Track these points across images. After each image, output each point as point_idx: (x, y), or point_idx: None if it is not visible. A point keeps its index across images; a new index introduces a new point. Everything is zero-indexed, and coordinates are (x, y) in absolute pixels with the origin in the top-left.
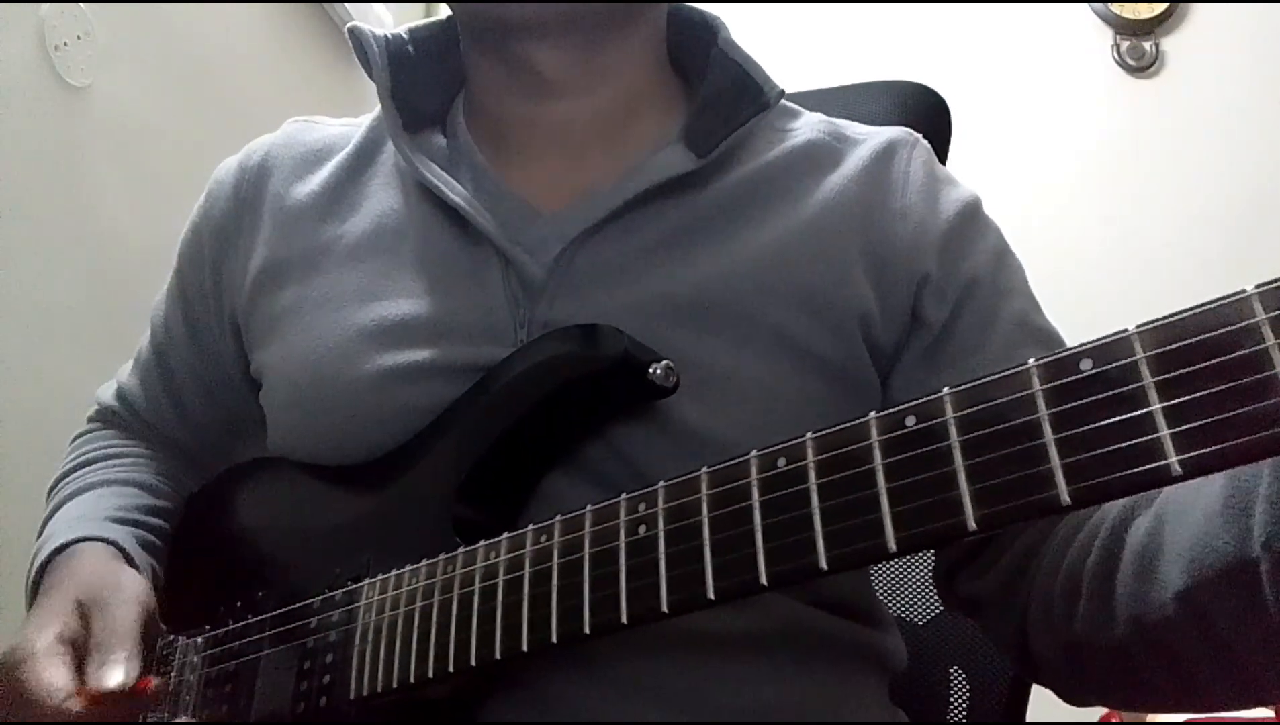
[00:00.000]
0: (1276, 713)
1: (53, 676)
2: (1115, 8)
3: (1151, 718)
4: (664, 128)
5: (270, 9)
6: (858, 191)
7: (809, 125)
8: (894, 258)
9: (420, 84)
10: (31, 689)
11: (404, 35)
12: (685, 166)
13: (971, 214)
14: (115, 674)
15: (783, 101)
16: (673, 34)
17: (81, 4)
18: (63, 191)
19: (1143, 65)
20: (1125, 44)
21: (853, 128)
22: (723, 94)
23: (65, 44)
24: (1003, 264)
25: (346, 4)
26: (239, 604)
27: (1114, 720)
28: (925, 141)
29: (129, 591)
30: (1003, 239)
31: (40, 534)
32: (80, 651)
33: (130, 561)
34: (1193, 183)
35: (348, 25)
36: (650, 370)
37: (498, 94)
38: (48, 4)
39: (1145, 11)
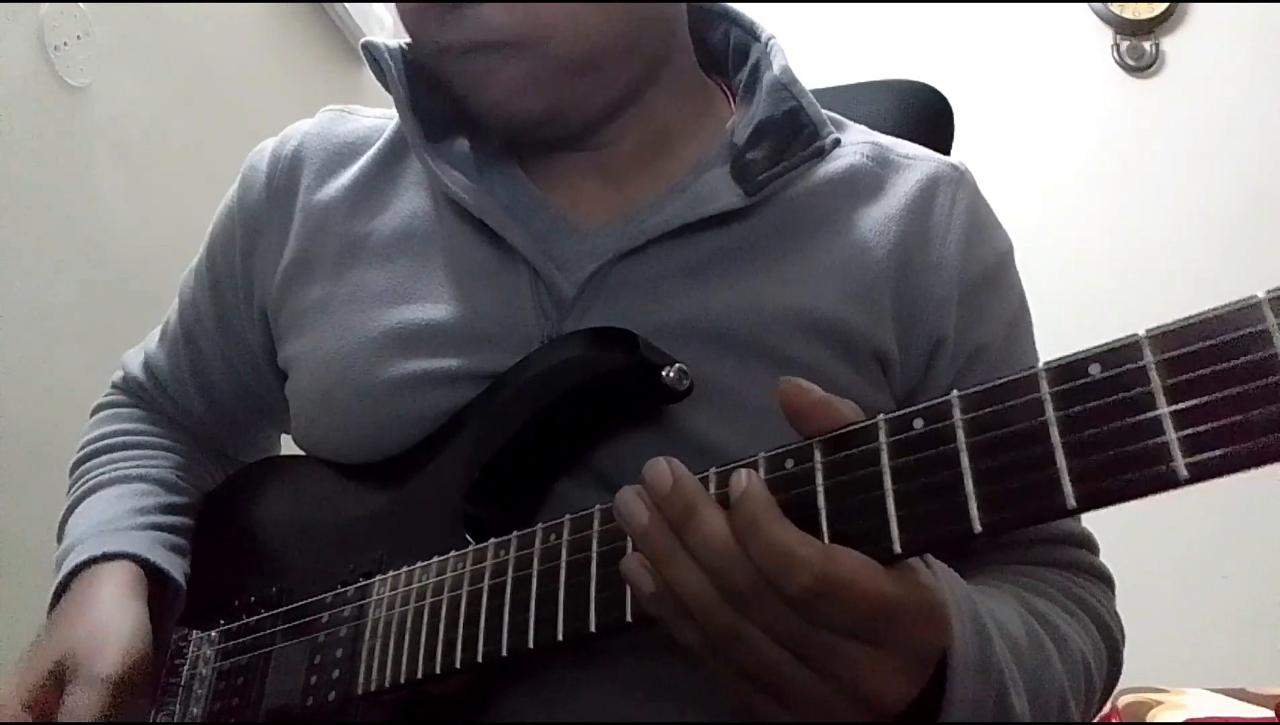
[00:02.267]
0: (1277, 712)
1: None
2: (1115, 8)
3: (1151, 717)
4: (705, 139)
5: (270, 9)
6: (897, 233)
7: (851, 146)
8: (922, 313)
9: (441, 91)
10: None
11: None
12: (731, 203)
13: (998, 274)
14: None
15: (828, 114)
16: (699, 27)
17: (81, 4)
18: (63, 191)
19: (1143, 65)
20: (1125, 44)
21: (897, 150)
22: (774, 127)
23: (65, 44)
24: (1014, 332)
25: (347, 4)
26: (254, 599)
27: (1114, 720)
28: (970, 176)
29: (111, 661)
30: (1021, 298)
31: (63, 522)
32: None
33: (159, 572)
34: (1193, 183)
35: (361, 41)
36: (664, 373)
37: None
38: (48, 4)
39: (1145, 11)
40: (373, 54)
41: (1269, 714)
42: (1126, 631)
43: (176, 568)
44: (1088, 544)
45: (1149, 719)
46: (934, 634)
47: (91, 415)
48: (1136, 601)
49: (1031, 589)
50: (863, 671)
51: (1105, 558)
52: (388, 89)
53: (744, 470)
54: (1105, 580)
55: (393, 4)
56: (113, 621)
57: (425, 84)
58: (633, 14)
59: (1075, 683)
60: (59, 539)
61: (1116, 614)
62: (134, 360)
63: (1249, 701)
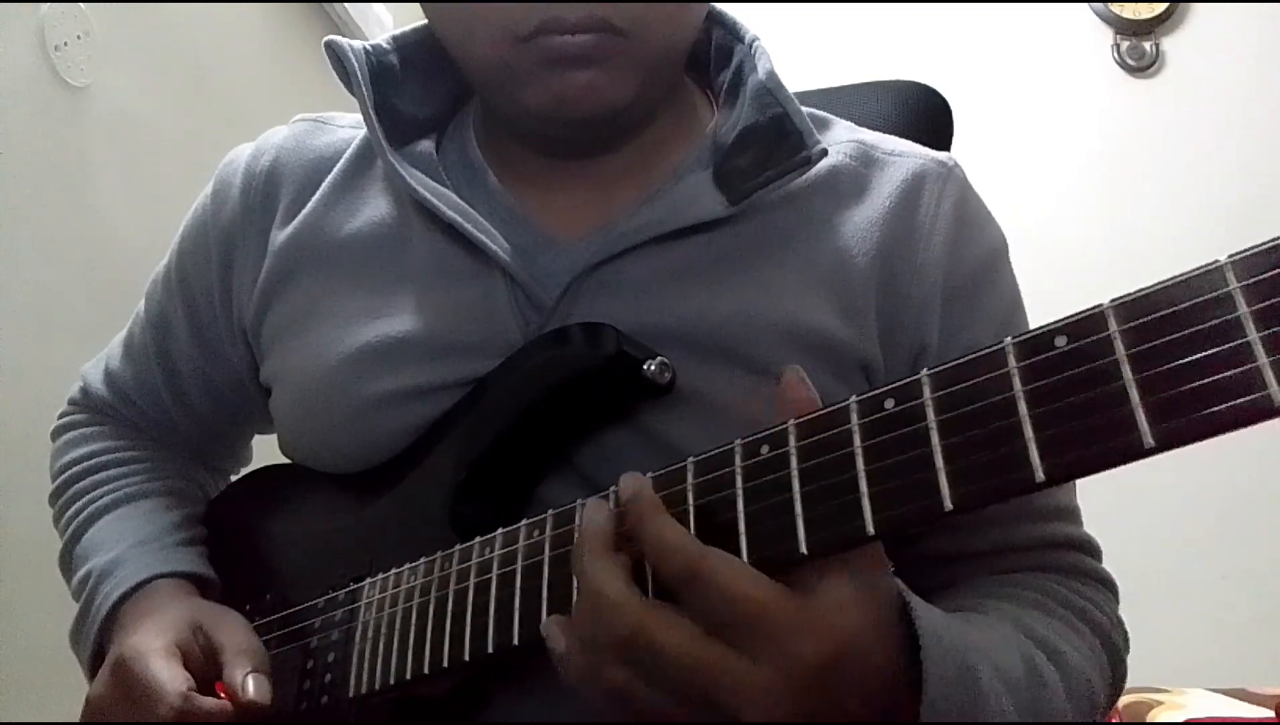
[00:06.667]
0: (1277, 712)
1: (169, 676)
2: (1115, 8)
3: (1151, 717)
4: (685, 142)
5: (270, 9)
6: (880, 237)
7: (835, 145)
8: (903, 319)
9: (408, 94)
10: (145, 688)
11: (385, 44)
12: (714, 212)
13: (987, 273)
14: (262, 686)
15: (810, 111)
16: None
17: (81, 4)
18: (63, 191)
19: (1143, 65)
20: (1125, 44)
21: (882, 147)
22: (759, 135)
23: (65, 44)
24: (1005, 332)
25: (346, 4)
26: (248, 608)
27: (1114, 720)
28: (959, 171)
29: (240, 620)
30: (1015, 296)
31: (72, 544)
32: (194, 664)
33: (205, 583)
34: (1192, 183)
35: (324, 39)
36: (645, 366)
37: (525, 148)
38: (48, 4)
39: (1145, 11)
40: (336, 54)
41: (1269, 714)
42: (1127, 631)
43: (215, 585)
44: (1088, 548)
45: (1149, 719)
46: (814, 649)
47: (56, 435)
48: (1136, 602)
49: (1034, 605)
50: (726, 680)
51: (1105, 558)
52: (351, 90)
53: (632, 475)
54: (1107, 585)
55: (393, 4)
56: (208, 604)
57: (392, 85)
58: (699, 13)
59: (1079, 705)
60: (68, 560)
61: (1120, 621)
62: (94, 375)
63: (1249, 701)
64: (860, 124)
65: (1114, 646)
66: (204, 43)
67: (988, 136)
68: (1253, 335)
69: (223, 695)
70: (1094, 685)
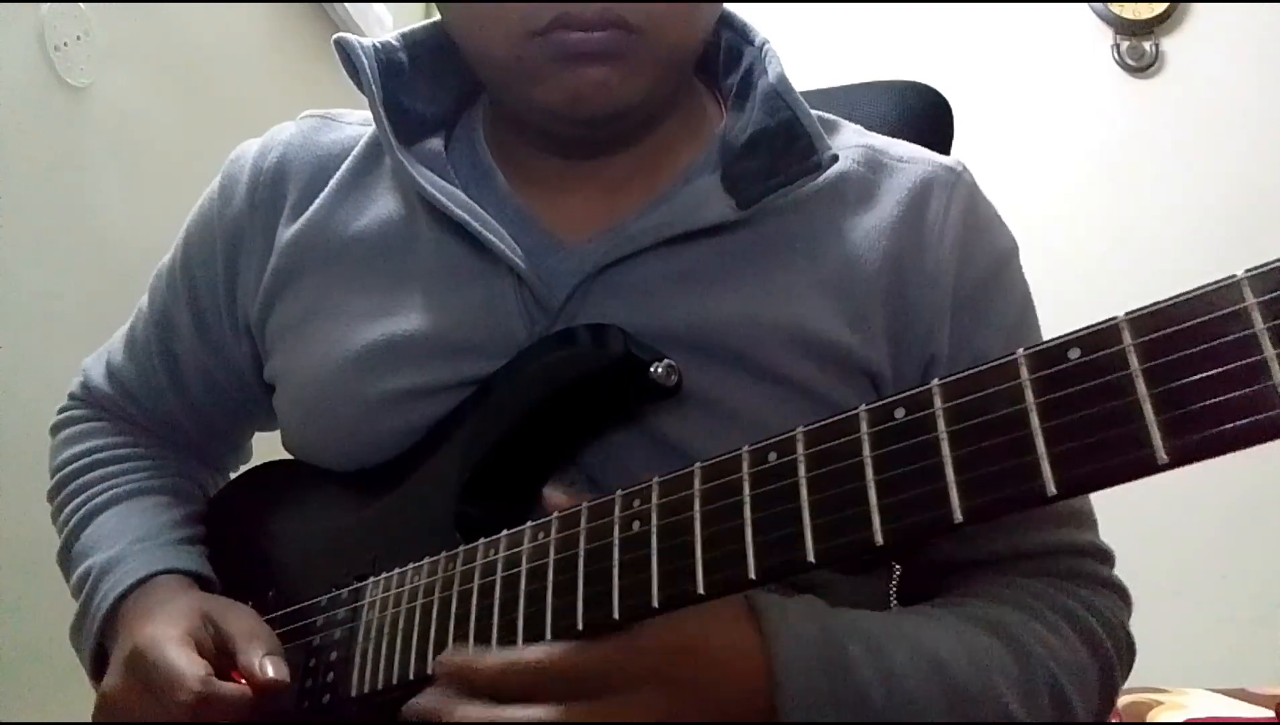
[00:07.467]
0: (1277, 712)
1: (187, 662)
2: (1115, 8)
3: (1151, 717)
4: (694, 144)
5: (270, 9)
6: (890, 245)
7: (844, 151)
8: (914, 329)
9: (417, 92)
10: (163, 675)
11: (395, 42)
12: (723, 216)
13: (996, 277)
14: (280, 667)
15: (819, 114)
16: None
17: (81, 4)
18: (63, 191)
19: (1143, 65)
20: (1125, 44)
21: (891, 152)
22: (769, 138)
23: (65, 44)
24: (1016, 337)
25: (346, 4)
26: (250, 605)
27: (1114, 720)
28: (968, 176)
29: (247, 609)
30: (1025, 299)
31: (71, 538)
32: (206, 654)
33: (207, 584)
34: (1193, 183)
35: (334, 36)
36: (651, 368)
37: (534, 149)
38: (48, 4)
39: (1145, 11)
40: (346, 51)
41: (1269, 714)
42: (1132, 639)
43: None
44: (1098, 554)
45: (1149, 719)
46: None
47: (56, 430)
48: (1136, 602)
49: (1008, 602)
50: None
51: None
52: (360, 88)
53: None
54: (1116, 591)
55: (393, 4)
56: (213, 595)
57: (402, 83)
58: (713, 14)
59: (1032, 694)
60: (67, 557)
61: (1118, 625)
62: (96, 370)
63: (1249, 701)
64: (860, 125)
65: (1102, 650)
66: (204, 43)
67: (988, 137)
68: (1269, 352)
69: (240, 681)
70: (1057, 676)
